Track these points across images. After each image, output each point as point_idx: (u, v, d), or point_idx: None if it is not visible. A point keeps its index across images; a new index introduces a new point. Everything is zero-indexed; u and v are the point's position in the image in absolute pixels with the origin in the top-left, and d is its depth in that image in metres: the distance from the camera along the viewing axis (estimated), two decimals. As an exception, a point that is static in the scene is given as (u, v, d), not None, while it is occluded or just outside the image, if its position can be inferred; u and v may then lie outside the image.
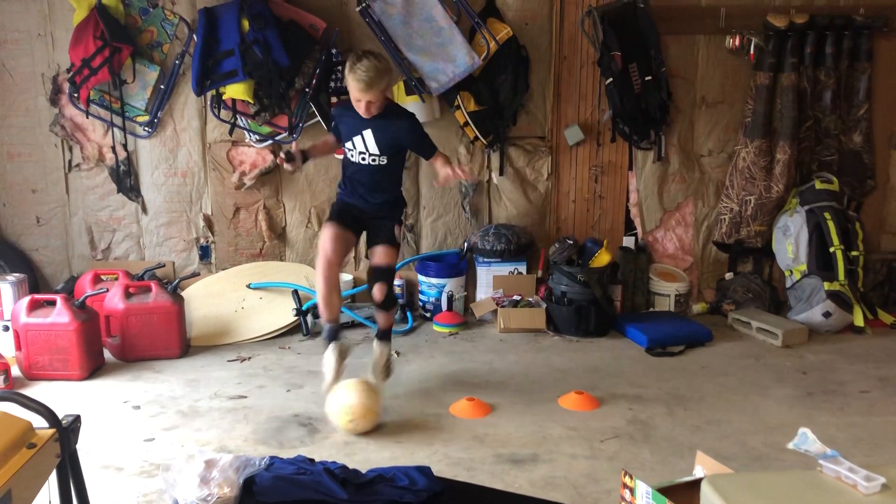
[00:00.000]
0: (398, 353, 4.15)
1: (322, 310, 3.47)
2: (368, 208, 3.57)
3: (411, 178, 4.86)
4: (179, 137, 4.76)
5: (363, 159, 3.47)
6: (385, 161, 3.47)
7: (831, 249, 4.58)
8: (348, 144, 3.49)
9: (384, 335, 3.68)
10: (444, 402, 3.48)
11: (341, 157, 3.66)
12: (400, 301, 4.76)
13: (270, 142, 4.72)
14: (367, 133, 3.41)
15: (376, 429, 3.19)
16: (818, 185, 4.72)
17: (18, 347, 3.75)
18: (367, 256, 3.75)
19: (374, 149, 3.43)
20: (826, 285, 4.50)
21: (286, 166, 3.54)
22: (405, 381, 3.77)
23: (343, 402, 3.15)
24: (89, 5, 4.38)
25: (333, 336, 3.47)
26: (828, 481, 1.68)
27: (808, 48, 4.65)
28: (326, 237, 3.43)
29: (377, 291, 3.50)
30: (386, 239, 3.55)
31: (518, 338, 4.46)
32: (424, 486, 2.25)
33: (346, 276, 4.89)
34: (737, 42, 4.69)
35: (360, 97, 3.28)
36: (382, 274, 3.53)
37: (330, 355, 3.40)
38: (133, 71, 4.57)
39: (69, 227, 4.87)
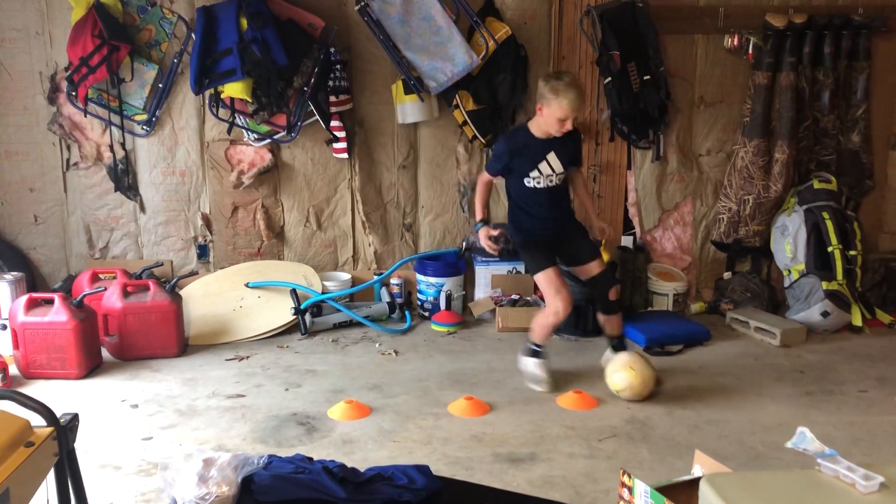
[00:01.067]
0: (396, 353, 4.15)
1: (544, 336, 3.65)
2: (559, 230, 3.66)
3: (409, 178, 4.86)
4: (178, 136, 4.75)
5: (550, 182, 3.55)
6: (564, 175, 3.59)
7: (829, 249, 4.58)
8: (533, 174, 3.52)
9: (621, 343, 3.81)
10: (443, 400, 3.49)
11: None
12: (398, 300, 4.76)
13: (269, 141, 4.71)
14: (552, 155, 3.50)
15: (376, 427, 3.20)
16: (816, 185, 4.72)
17: (16, 346, 3.75)
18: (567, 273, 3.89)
19: (559, 167, 3.53)
20: (824, 285, 4.51)
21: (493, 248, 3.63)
22: (403, 380, 3.77)
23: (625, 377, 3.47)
24: (87, 4, 4.37)
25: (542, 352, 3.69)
26: (826, 480, 1.68)
27: (806, 48, 4.64)
28: (557, 284, 3.53)
29: (613, 293, 3.69)
30: (593, 254, 3.69)
31: (516, 337, 4.44)
32: (423, 484, 2.25)
33: (343, 276, 4.89)
34: (735, 42, 4.69)
35: (569, 115, 3.34)
36: (611, 278, 3.77)
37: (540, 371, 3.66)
38: (131, 69, 4.56)
39: (67, 226, 4.86)
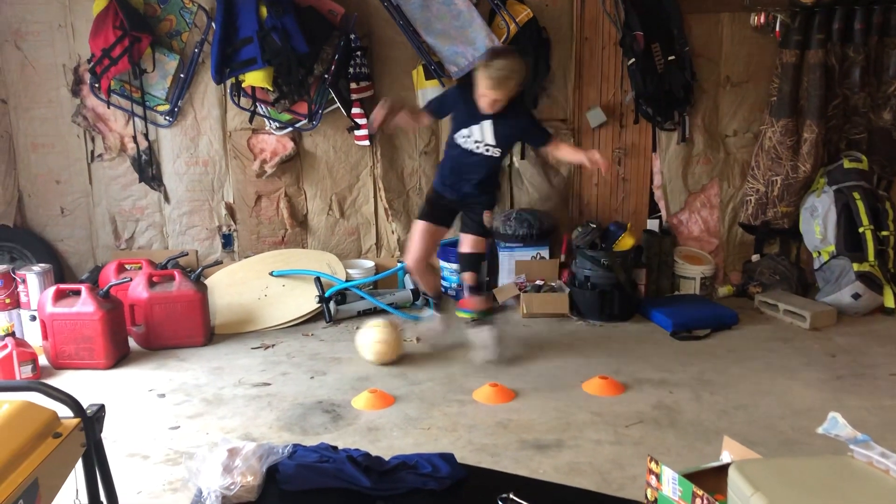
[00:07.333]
0: (418, 339, 4.14)
1: (424, 290, 4.08)
2: (463, 197, 3.66)
3: (431, 164, 4.84)
4: (200, 126, 4.77)
5: (477, 148, 3.52)
6: (498, 153, 3.56)
7: (861, 230, 4.50)
8: (463, 131, 3.52)
9: (487, 317, 3.92)
10: (468, 387, 3.48)
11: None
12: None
13: (290, 129, 4.71)
14: (487, 124, 3.46)
15: (401, 415, 3.20)
16: (847, 165, 4.63)
17: (45, 337, 3.79)
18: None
19: (491, 140, 3.49)
20: (855, 266, 4.43)
21: (375, 123, 3.57)
22: (428, 366, 3.77)
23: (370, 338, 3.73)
24: (108, -5, 4.39)
25: (439, 306, 4.00)
26: (859, 466, 1.65)
27: (835, 24, 4.53)
28: (416, 235, 3.73)
29: (468, 278, 3.76)
30: (474, 229, 3.70)
31: (541, 323, 4.43)
32: (448, 473, 2.24)
33: (367, 263, 4.89)
34: (762, 19, 4.60)
35: (487, 94, 3.32)
36: (469, 262, 3.77)
37: (437, 325, 4.01)
38: (153, 60, 4.58)
39: (93, 218, 4.91)
